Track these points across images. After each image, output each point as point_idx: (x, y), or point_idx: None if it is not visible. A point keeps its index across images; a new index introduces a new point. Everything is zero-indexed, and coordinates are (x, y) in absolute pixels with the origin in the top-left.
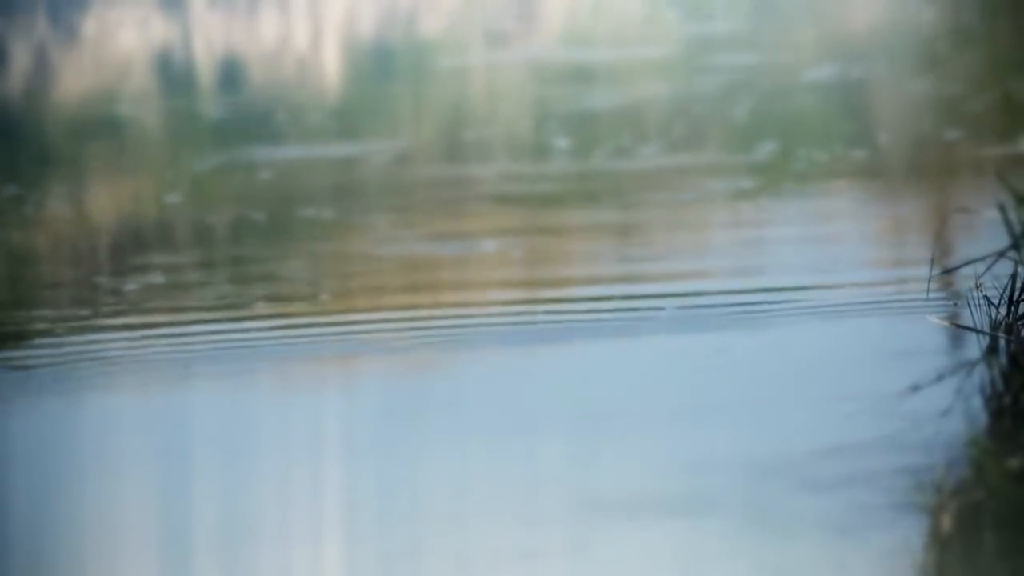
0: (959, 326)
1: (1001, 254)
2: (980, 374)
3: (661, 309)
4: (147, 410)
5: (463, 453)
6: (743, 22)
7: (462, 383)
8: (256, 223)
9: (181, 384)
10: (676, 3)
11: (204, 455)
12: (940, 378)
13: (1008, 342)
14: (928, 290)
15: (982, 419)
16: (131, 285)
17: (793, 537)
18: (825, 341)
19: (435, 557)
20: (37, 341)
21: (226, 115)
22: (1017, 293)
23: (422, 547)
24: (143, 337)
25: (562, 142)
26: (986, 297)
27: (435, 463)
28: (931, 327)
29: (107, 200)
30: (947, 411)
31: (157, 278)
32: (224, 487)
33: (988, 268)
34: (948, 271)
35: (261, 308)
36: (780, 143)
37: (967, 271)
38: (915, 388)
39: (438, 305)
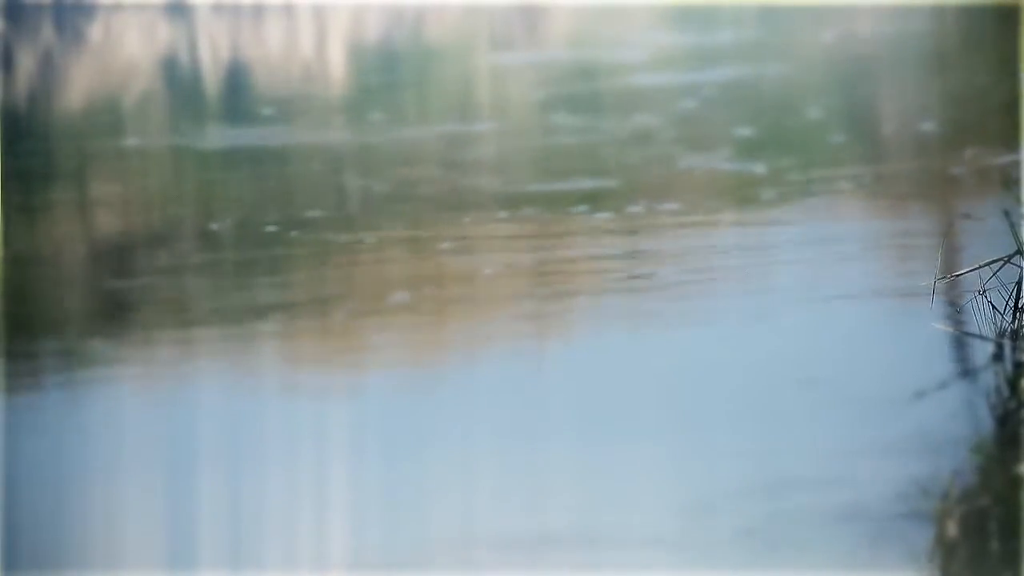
0: (964, 332)
1: (1007, 260)
2: (985, 380)
3: None
4: None
5: None
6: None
7: None
8: None
9: None
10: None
11: None
12: (945, 384)
13: (1013, 348)
14: (933, 296)
15: (987, 425)
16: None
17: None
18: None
19: None
20: None
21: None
22: (1022, 299)
23: None
24: None
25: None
26: (991, 303)
27: None
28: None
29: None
30: (952, 417)
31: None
32: None
33: (994, 274)
34: (953, 277)
35: None
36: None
37: (972, 277)
38: (920, 394)
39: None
